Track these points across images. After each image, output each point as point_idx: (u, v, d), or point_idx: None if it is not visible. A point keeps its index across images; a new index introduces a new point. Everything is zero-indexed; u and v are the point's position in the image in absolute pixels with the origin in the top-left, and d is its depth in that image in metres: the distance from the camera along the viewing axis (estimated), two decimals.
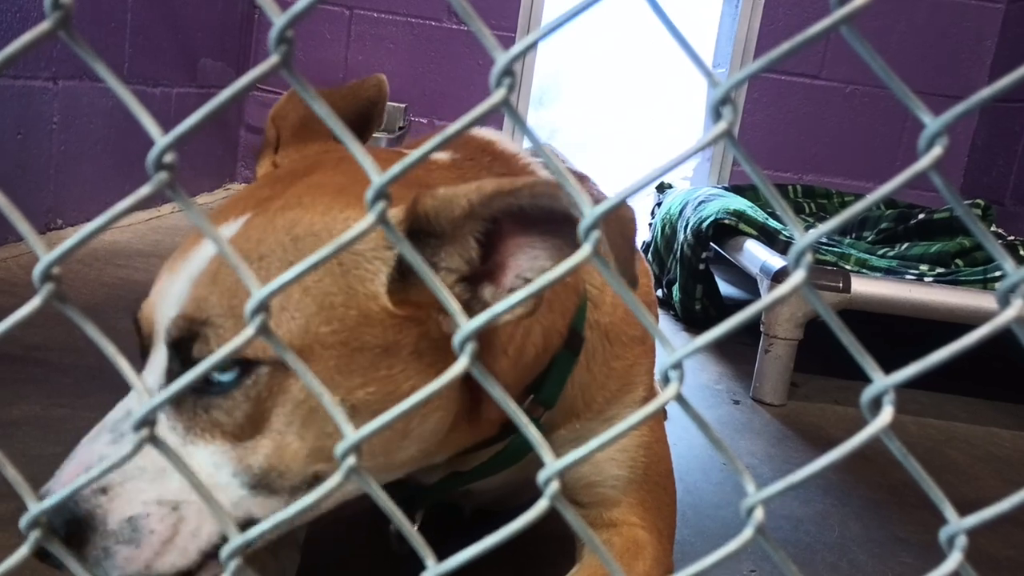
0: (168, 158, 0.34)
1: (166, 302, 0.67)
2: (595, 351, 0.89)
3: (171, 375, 0.66)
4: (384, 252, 0.66)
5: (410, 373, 0.67)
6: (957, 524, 0.35)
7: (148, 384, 0.67)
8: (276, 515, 0.39)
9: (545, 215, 0.60)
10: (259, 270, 0.65)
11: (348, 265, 0.66)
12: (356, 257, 0.66)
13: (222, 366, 0.63)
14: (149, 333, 0.69)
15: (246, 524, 0.65)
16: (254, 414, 0.64)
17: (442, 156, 0.87)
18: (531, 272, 0.66)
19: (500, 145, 0.96)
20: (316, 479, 0.67)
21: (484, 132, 1.01)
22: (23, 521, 0.40)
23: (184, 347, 0.64)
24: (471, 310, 0.64)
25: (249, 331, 0.35)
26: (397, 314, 0.66)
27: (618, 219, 0.61)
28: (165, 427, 0.66)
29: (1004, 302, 0.34)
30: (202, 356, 0.63)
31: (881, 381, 0.33)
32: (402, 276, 0.66)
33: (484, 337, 0.68)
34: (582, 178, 1.27)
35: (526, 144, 0.93)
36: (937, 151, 0.31)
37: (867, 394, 0.34)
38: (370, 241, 0.66)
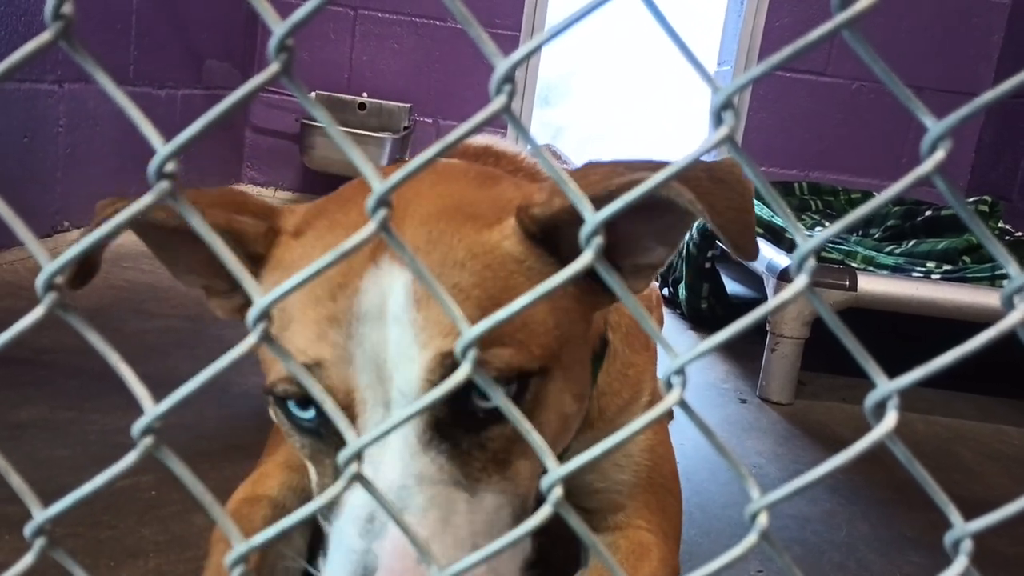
0: (169, 167, 0.34)
1: (398, 351, 0.59)
2: (616, 355, 0.89)
3: (437, 425, 0.60)
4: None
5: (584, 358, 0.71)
6: (962, 528, 0.35)
7: (407, 448, 0.60)
8: (283, 521, 0.39)
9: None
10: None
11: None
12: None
13: (502, 382, 0.61)
14: (361, 398, 0.61)
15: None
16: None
17: (457, 163, 0.87)
18: (646, 259, 0.70)
19: (498, 147, 0.97)
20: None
21: (479, 138, 1.03)
22: (28, 529, 0.40)
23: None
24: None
25: (252, 339, 0.35)
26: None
27: (724, 180, 0.60)
28: (450, 484, 0.60)
29: (1009, 304, 0.33)
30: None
31: (885, 386, 0.33)
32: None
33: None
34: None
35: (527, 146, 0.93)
36: (940, 155, 0.31)
37: (871, 398, 0.34)
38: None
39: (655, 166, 0.64)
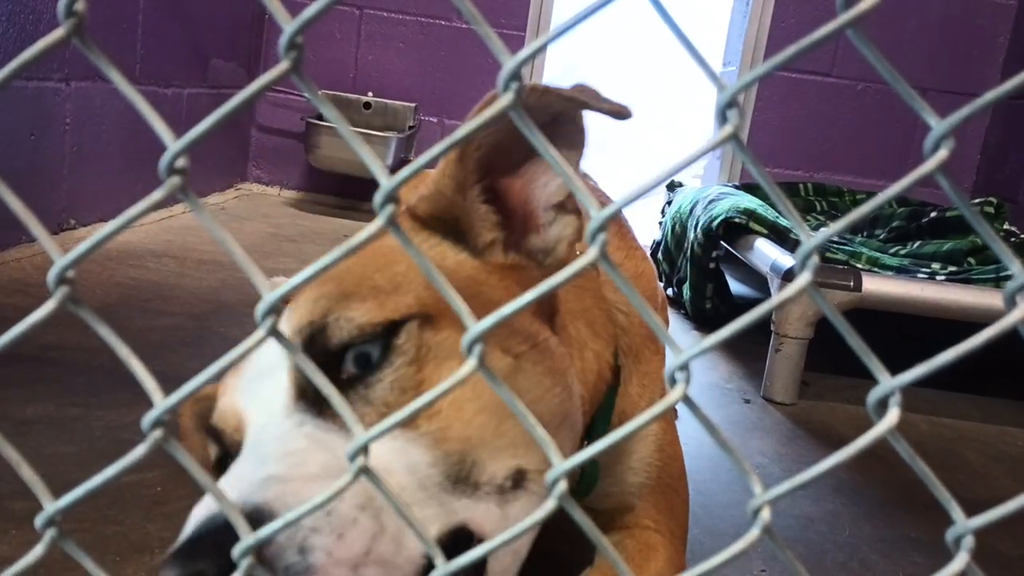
0: (180, 163, 0.34)
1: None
2: (630, 376, 0.90)
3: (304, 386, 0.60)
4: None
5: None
6: (964, 525, 0.35)
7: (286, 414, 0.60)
8: (288, 515, 0.39)
9: (518, 141, 0.64)
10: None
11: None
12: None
13: (367, 339, 0.60)
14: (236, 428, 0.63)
15: (458, 535, 0.57)
16: (421, 382, 0.59)
17: None
18: (555, 196, 0.70)
19: None
20: (521, 479, 0.60)
21: None
22: (39, 520, 0.41)
23: (318, 349, 0.60)
24: (538, 263, 0.70)
25: (260, 333, 0.35)
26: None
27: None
28: (335, 437, 0.57)
29: (1011, 303, 0.34)
30: (337, 342, 0.60)
31: (887, 382, 0.34)
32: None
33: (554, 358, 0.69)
34: (582, 177, 1.28)
35: None
36: (943, 153, 0.31)
37: (873, 395, 0.34)
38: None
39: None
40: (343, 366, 0.60)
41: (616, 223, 1.09)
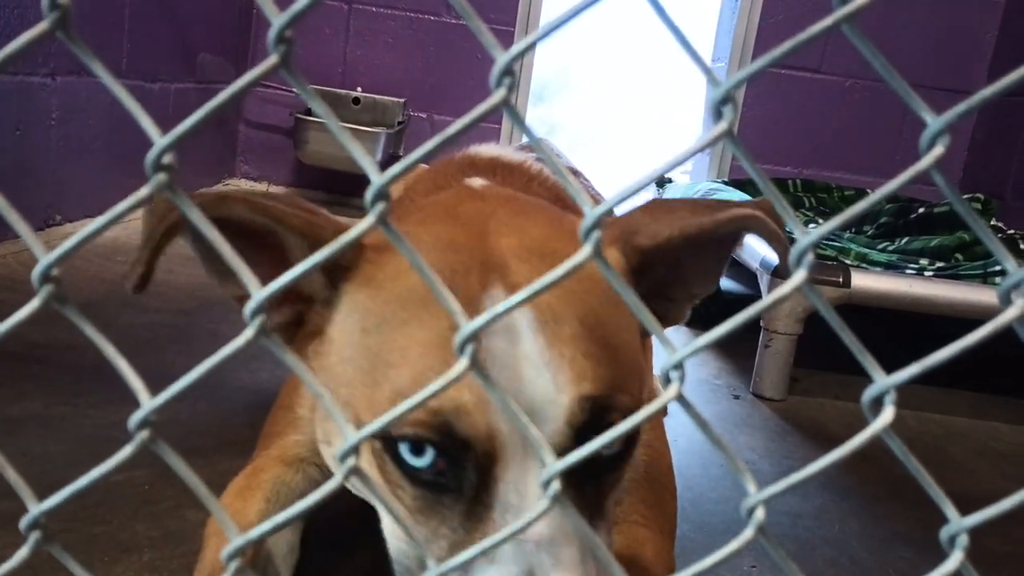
0: (167, 159, 0.34)
1: (537, 395, 0.56)
2: None
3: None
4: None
5: None
6: (958, 523, 0.35)
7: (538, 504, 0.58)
8: (278, 516, 0.39)
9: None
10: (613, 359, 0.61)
11: None
12: None
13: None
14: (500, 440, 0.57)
15: None
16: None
17: (478, 182, 0.86)
18: (702, 289, 0.75)
19: (505, 158, 0.98)
20: None
21: (483, 149, 1.04)
22: (24, 522, 0.40)
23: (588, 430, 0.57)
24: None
25: (249, 332, 0.35)
26: None
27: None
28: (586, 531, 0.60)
29: (1006, 301, 0.33)
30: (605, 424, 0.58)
31: (882, 381, 0.33)
32: None
33: None
34: (575, 174, 1.28)
35: (524, 140, 0.95)
36: (939, 150, 0.31)
37: (868, 394, 0.34)
38: None
39: (723, 204, 0.68)
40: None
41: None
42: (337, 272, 0.63)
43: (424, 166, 1.49)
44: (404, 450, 0.58)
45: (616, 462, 0.62)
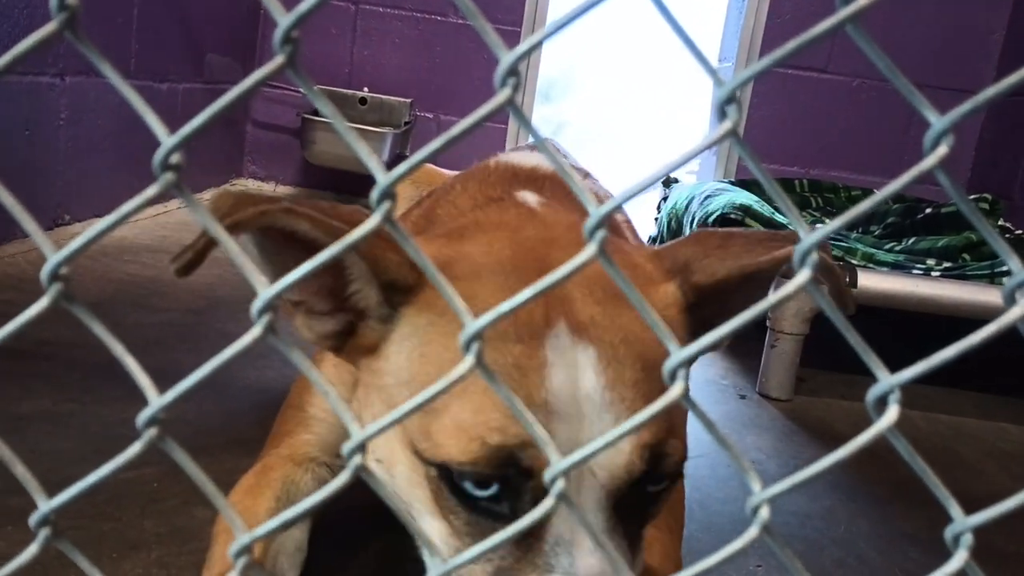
0: (174, 159, 0.34)
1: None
2: None
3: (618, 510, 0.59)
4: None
5: None
6: (963, 522, 0.35)
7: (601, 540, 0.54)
8: (286, 512, 0.39)
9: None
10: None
11: None
12: None
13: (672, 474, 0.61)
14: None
15: None
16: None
17: (532, 199, 0.84)
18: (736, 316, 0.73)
19: (545, 169, 0.97)
20: None
21: (520, 157, 1.02)
22: (33, 519, 0.40)
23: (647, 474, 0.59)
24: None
25: (256, 331, 0.35)
26: None
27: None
28: (631, 565, 0.62)
29: (1010, 300, 0.33)
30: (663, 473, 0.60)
31: (887, 380, 0.33)
32: None
33: None
34: (584, 174, 1.27)
35: (529, 140, 0.94)
36: (943, 150, 0.31)
37: (873, 393, 0.34)
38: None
39: (774, 237, 0.68)
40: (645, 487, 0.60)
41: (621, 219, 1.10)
42: (397, 291, 0.62)
43: (445, 171, 1.48)
44: (467, 481, 0.57)
45: (662, 494, 0.62)
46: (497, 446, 0.55)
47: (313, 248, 0.60)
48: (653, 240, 2.86)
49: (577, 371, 0.57)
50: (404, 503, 0.63)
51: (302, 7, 0.32)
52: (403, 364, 0.62)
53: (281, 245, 0.60)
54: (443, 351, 0.60)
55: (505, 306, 0.35)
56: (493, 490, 0.57)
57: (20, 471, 0.39)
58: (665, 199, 2.95)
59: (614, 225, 1.00)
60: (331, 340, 0.66)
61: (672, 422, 0.60)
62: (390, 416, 0.38)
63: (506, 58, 0.33)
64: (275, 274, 0.62)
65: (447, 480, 0.58)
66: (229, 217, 0.54)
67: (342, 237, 0.59)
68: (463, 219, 0.80)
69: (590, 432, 0.56)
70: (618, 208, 0.34)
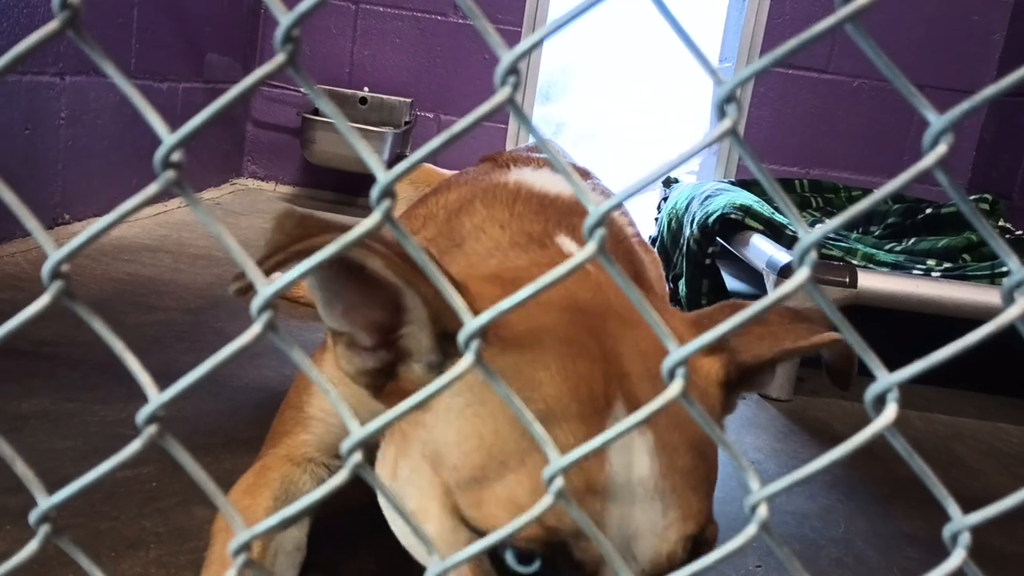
0: (175, 157, 0.34)
1: (646, 527, 0.57)
2: None
3: None
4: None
5: None
6: (961, 521, 0.35)
7: None
8: (285, 510, 0.39)
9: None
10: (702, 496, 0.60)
11: None
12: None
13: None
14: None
15: None
16: None
17: (575, 249, 0.83)
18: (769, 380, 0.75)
19: (567, 199, 0.94)
20: None
21: (551, 185, 0.97)
22: (33, 515, 0.40)
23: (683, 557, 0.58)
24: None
25: (256, 328, 0.35)
26: None
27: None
28: None
29: (1008, 299, 0.34)
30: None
31: (885, 378, 0.34)
32: None
33: None
34: (584, 174, 1.28)
35: (530, 140, 0.94)
36: (942, 149, 0.31)
37: (871, 391, 0.34)
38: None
39: (807, 319, 0.70)
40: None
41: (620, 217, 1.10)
42: (450, 342, 0.59)
43: (443, 171, 1.48)
44: (509, 554, 0.57)
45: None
46: (552, 529, 0.54)
47: (375, 283, 0.58)
48: (653, 240, 2.86)
49: (632, 455, 0.56)
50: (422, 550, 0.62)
51: (303, 6, 0.32)
52: (451, 421, 0.60)
53: (337, 272, 0.58)
54: (501, 417, 0.58)
55: (504, 305, 0.35)
56: (536, 567, 0.56)
57: (20, 468, 0.40)
58: (665, 199, 2.95)
59: (620, 236, 1.00)
60: (369, 378, 0.63)
61: (711, 504, 0.60)
62: (390, 415, 0.38)
63: (506, 57, 0.33)
64: (327, 300, 0.60)
65: (491, 552, 0.57)
66: (299, 242, 0.51)
67: (412, 280, 0.57)
68: (507, 260, 0.79)
69: (640, 517, 0.56)
70: (618, 206, 0.34)
